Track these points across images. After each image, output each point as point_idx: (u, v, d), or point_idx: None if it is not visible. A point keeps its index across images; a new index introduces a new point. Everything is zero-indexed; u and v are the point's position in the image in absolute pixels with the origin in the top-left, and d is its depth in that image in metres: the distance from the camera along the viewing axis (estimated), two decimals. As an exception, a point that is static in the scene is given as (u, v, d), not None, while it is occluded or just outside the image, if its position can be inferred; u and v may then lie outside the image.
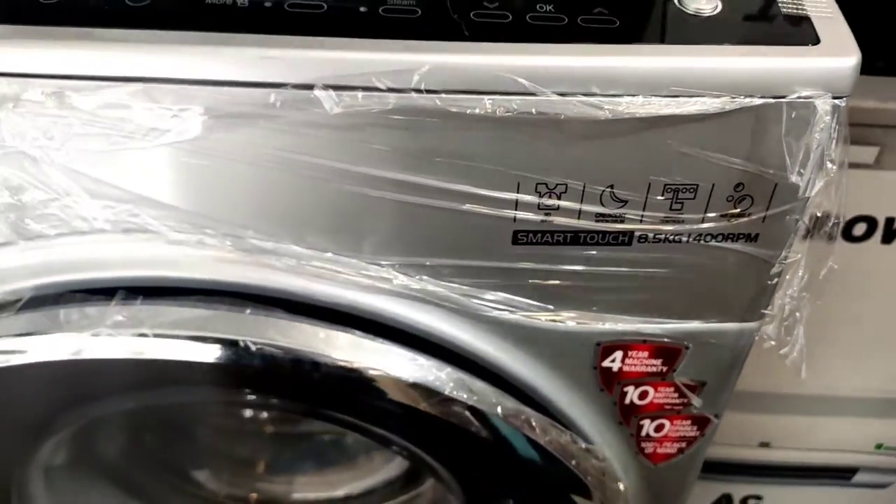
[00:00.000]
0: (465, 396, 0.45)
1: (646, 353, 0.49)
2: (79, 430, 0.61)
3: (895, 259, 0.82)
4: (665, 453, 0.56)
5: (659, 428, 0.54)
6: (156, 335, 0.41)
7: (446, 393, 0.45)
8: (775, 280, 0.46)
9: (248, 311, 0.43)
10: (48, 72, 0.37)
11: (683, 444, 0.55)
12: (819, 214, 0.44)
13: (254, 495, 0.81)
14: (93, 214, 0.41)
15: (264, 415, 0.75)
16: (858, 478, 1.06)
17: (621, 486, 0.53)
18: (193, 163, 0.40)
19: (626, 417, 0.53)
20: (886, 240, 0.83)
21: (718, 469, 1.07)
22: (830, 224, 0.44)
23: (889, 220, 0.81)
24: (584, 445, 0.50)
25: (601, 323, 0.47)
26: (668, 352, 0.49)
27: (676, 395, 0.52)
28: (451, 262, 0.44)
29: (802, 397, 0.97)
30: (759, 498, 1.10)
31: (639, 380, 0.51)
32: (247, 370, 0.43)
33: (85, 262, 0.43)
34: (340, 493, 0.79)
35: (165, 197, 0.41)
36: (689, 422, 0.54)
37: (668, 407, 0.53)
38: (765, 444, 1.02)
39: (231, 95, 0.38)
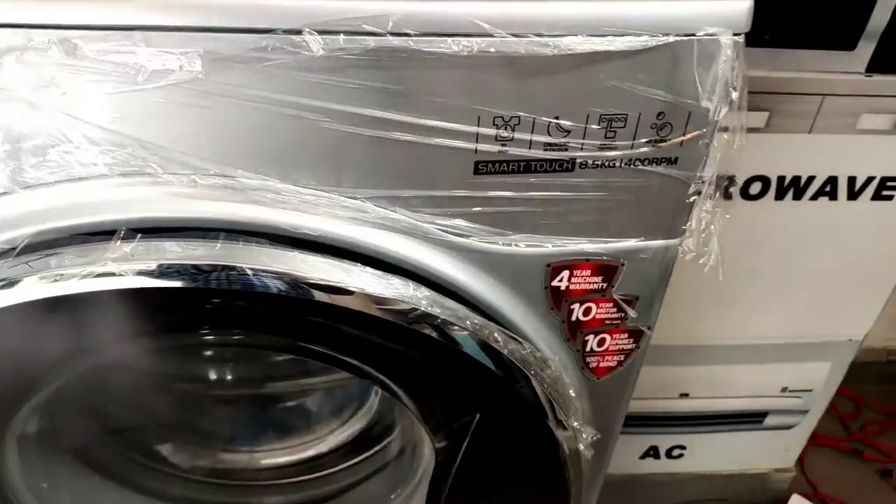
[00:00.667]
0: (438, 311, 0.51)
1: (588, 272, 0.57)
2: (49, 400, 0.63)
3: (786, 215, 0.91)
4: (607, 367, 0.63)
5: (601, 342, 0.62)
6: (159, 266, 0.45)
7: (422, 309, 0.50)
8: (693, 199, 0.54)
9: (241, 243, 0.47)
10: (53, 22, 0.40)
11: (622, 357, 0.63)
12: (726, 136, 0.52)
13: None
14: (92, 159, 0.44)
15: (227, 378, 0.78)
16: (769, 421, 1.17)
17: (571, 393, 0.60)
18: (190, 106, 0.44)
19: (573, 334, 0.60)
20: (779, 196, 0.91)
21: (644, 422, 1.16)
22: (735, 144, 0.53)
23: (780, 179, 0.90)
24: (539, 355, 0.57)
25: (550, 245, 0.54)
26: (607, 269, 0.57)
27: (615, 309, 0.60)
28: (421, 192, 0.50)
29: (715, 347, 1.06)
30: (682, 448, 1.20)
31: (583, 297, 0.58)
32: (235, 296, 0.47)
33: (85, 206, 0.46)
34: (308, 453, 0.82)
35: (162, 140, 0.45)
36: (626, 335, 0.62)
37: (608, 321, 0.60)
38: (684, 395, 1.12)
39: (226, 41, 0.42)
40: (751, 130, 0.88)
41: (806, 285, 1.00)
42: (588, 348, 0.62)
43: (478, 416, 0.58)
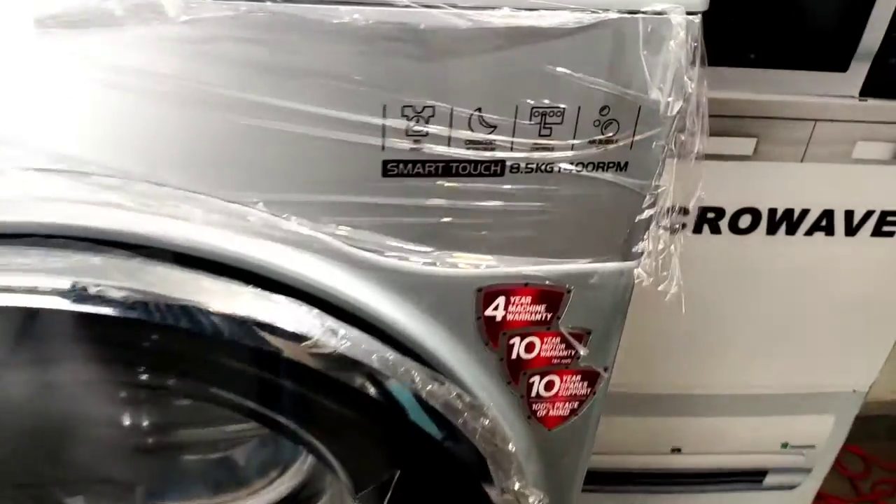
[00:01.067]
0: (332, 342, 0.42)
1: (528, 299, 0.48)
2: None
3: (779, 251, 0.84)
4: (558, 416, 0.54)
5: (549, 386, 0.53)
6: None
7: (316, 338, 0.41)
8: (647, 213, 0.46)
9: (92, 253, 0.39)
10: None
11: (575, 404, 0.54)
12: (683, 137, 0.44)
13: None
14: None
15: (141, 423, 0.69)
16: (769, 480, 1.08)
17: (511, 448, 0.51)
18: (20, 83, 0.36)
19: (515, 375, 0.51)
20: (770, 230, 0.84)
21: (631, 480, 1.05)
22: (695, 150, 0.45)
23: (772, 212, 0.83)
24: (469, 400, 0.48)
25: (480, 265, 0.46)
26: (550, 296, 0.48)
27: (563, 346, 0.51)
28: (318, 198, 0.42)
29: (708, 398, 0.97)
30: (674, 508, 1.10)
31: (524, 329, 0.49)
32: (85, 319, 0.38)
33: None
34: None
35: (-7, 124, 0.37)
36: (578, 377, 0.53)
37: (556, 360, 0.51)
38: (676, 450, 1.03)
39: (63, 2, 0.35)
40: (738, 158, 0.82)
41: (803, 329, 0.91)
42: (534, 393, 0.53)
43: (398, 472, 0.49)
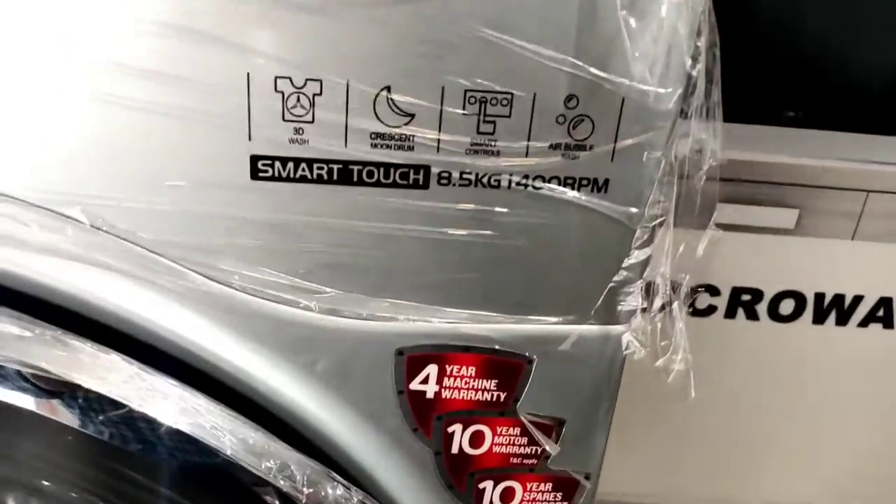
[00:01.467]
0: (180, 422, 0.29)
1: (472, 370, 0.35)
2: None
3: (828, 344, 0.72)
4: (521, 539, 0.39)
5: (507, 496, 0.38)
6: None
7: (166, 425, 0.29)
8: (639, 255, 0.33)
9: None
10: None
11: (546, 524, 0.39)
12: (688, 153, 0.31)
13: None
14: None
15: None
16: None
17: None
18: None
19: (457, 476, 0.37)
20: (818, 319, 0.72)
21: None
22: (706, 166, 0.32)
23: (818, 297, 0.71)
24: (381, 509, 0.34)
25: (400, 317, 0.33)
26: (504, 368, 0.35)
27: (525, 439, 0.37)
28: (173, 203, 0.30)
29: None
30: None
31: (467, 413, 0.36)
32: None
33: None
34: None
35: None
36: (548, 485, 0.38)
37: (515, 461, 0.37)
38: None
39: None
40: (778, 232, 0.70)
41: (858, 434, 0.78)
42: (485, 503, 0.38)
43: None
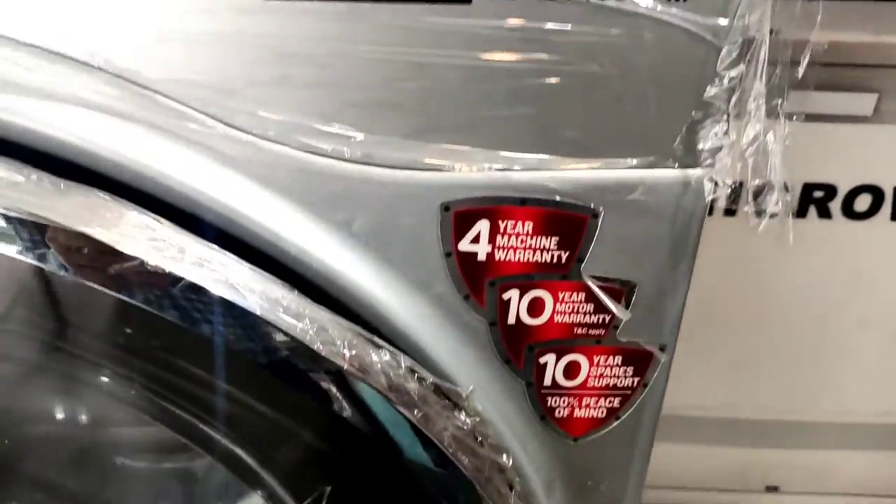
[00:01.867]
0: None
1: (528, 226, 0.30)
2: None
3: None
4: (588, 418, 0.36)
5: (571, 370, 0.34)
6: None
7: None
8: (726, 77, 0.27)
9: None
10: None
11: (615, 401, 0.35)
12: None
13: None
14: None
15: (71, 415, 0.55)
16: (890, 529, 0.87)
17: (508, 461, 0.33)
18: None
19: (515, 349, 0.33)
20: None
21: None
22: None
23: None
24: (432, 381, 0.30)
25: (442, 165, 0.29)
26: (565, 223, 0.30)
27: (590, 306, 0.32)
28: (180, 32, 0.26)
29: (814, 426, 0.79)
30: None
31: (524, 276, 0.31)
32: None
33: None
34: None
35: None
36: (618, 359, 0.34)
37: (579, 331, 0.33)
38: (772, 489, 0.85)
39: None
40: (854, 120, 0.65)
41: None
42: (547, 380, 0.34)
43: (328, 489, 0.32)
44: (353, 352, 0.28)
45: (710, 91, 0.28)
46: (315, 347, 0.27)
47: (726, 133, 0.29)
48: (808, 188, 0.65)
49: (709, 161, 0.29)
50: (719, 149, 0.29)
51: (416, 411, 0.30)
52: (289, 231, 0.29)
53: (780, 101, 0.28)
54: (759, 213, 0.29)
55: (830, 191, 0.66)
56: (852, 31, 0.59)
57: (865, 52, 0.61)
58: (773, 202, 0.28)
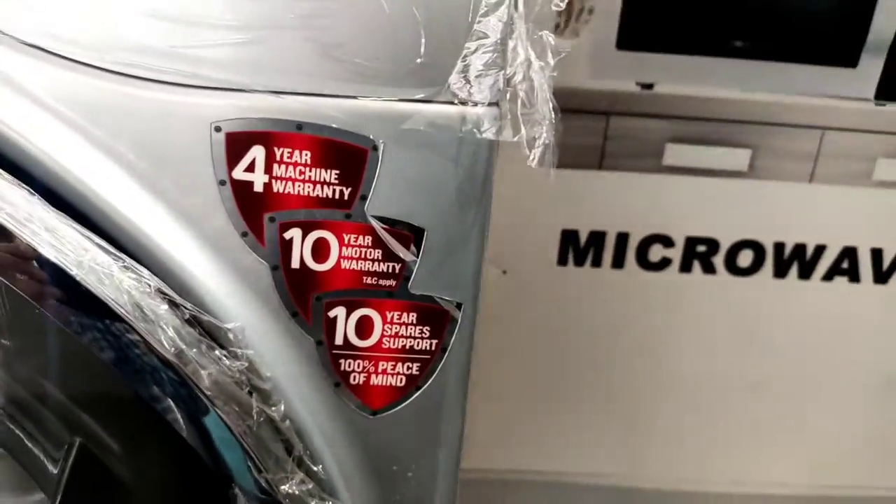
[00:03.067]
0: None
1: (307, 156, 0.29)
2: None
3: (792, 300, 0.69)
4: (386, 386, 0.33)
5: (364, 328, 0.32)
6: None
7: None
8: (492, 8, 0.28)
9: None
10: None
11: (414, 368, 0.33)
12: None
13: None
14: None
15: None
16: None
17: (276, 413, 0.30)
18: None
19: (300, 298, 0.31)
20: (779, 273, 0.69)
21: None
22: None
23: (778, 247, 0.69)
24: (207, 320, 0.28)
25: (209, 82, 0.28)
26: (344, 154, 0.30)
27: (378, 252, 0.31)
28: None
29: (709, 497, 0.77)
30: None
31: (304, 213, 0.30)
32: None
33: None
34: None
35: None
36: (413, 316, 0.32)
37: (369, 280, 0.32)
38: None
39: None
40: (730, 175, 0.67)
41: (831, 406, 0.74)
42: (338, 338, 0.32)
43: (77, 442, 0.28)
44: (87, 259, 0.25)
45: (480, 19, 0.28)
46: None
47: (501, 69, 0.29)
48: (691, 242, 0.67)
49: (485, 95, 0.29)
50: (494, 83, 0.29)
51: (168, 345, 0.27)
52: (45, 143, 0.28)
53: (544, 32, 0.28)
54: (532, 143, 0.29)
55: (713, 245, 0.67)
56: (722, 88, 0.63)
57: (738, 109, 0.64)
58: (545, 130, 0.28)
